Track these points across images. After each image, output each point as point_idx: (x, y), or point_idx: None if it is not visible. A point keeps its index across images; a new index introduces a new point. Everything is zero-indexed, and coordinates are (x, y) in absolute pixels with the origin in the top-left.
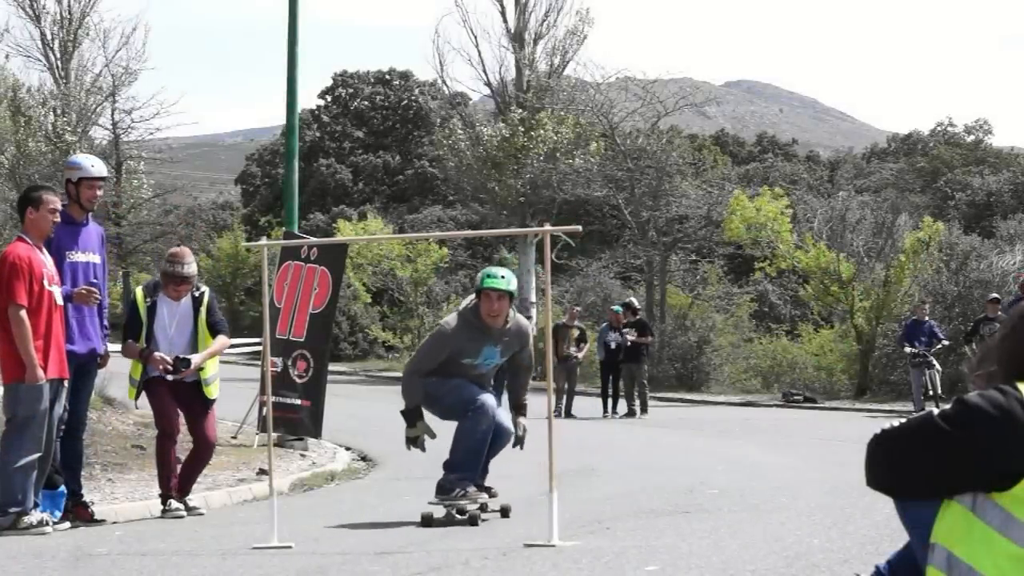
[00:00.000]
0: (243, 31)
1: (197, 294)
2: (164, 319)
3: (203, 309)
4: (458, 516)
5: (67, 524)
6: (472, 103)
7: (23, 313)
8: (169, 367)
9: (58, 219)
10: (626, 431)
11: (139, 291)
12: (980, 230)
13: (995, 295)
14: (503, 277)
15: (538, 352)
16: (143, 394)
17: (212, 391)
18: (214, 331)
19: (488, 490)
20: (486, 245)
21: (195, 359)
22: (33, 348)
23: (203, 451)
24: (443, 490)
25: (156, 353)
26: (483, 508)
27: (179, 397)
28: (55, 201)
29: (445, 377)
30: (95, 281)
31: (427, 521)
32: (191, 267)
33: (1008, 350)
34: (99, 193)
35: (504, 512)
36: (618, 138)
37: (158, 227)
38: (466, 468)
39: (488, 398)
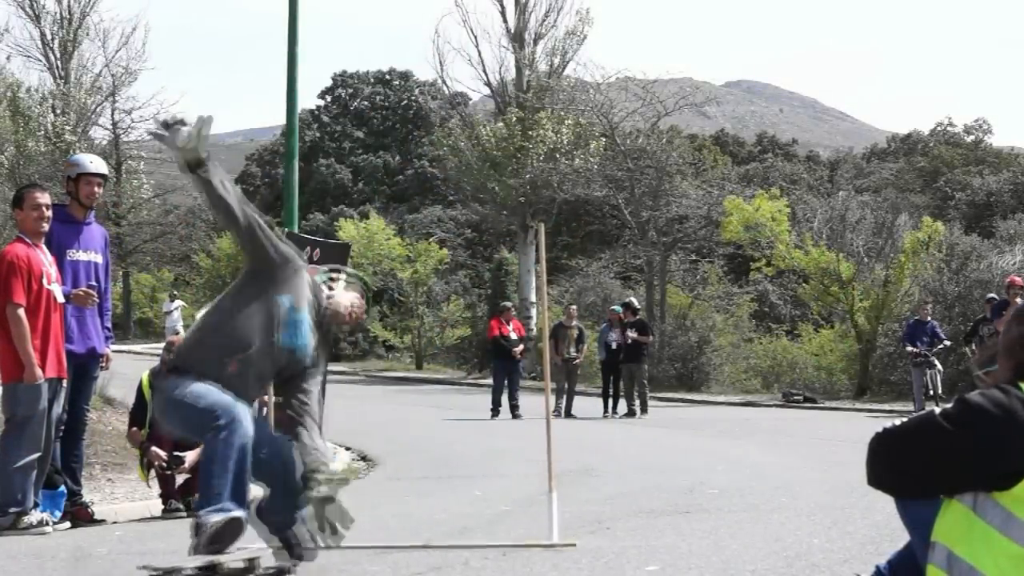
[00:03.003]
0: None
1: None
2: None
3: None
4: None
5: (67, 524)
6: (472, 103)
7: (21, 312)
8: (164, 463)
9: (46, 213)
10: (626, 431)
11: (145, 377)
12: (980, 230)
13: (994, 295)
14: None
15: (537, 352)
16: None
17: None
18: None
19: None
20: (486, 245)
21: (189, 457)
22: (31, 347)
23: None
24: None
25: (152, 448)
26: (252, 567)
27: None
28: (38, 197)
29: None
30: (95, 284)
31: None
32: None
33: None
34: (98, 190)
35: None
36: (618, 138)
37: (158, 227)
38: (228, 493)
39: (244, 409)
